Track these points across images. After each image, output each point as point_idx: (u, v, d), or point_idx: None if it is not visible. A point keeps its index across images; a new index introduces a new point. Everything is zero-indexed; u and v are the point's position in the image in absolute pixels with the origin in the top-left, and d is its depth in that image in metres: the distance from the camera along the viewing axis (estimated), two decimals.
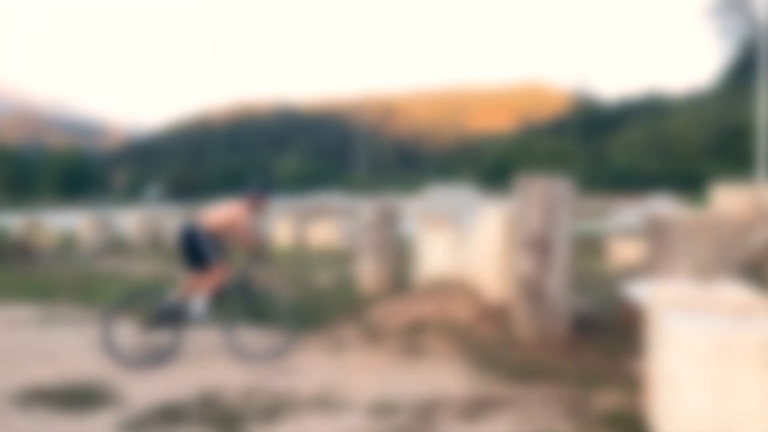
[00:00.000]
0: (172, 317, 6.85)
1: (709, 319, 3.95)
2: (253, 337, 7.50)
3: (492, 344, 6.77)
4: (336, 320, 8.10)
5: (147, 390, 5.76)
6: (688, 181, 32.28)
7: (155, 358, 6.68)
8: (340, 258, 15.83)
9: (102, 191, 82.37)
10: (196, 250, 6.93)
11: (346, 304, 9.11)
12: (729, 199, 17.45)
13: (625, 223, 16.92)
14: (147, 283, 11.16)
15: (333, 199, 25.43)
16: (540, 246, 6.89)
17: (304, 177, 62.74)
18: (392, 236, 10.60)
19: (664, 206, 18.09)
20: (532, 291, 6.85)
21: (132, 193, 78.98)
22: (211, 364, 6.68)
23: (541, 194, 6.95)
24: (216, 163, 75.24)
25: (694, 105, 51.31)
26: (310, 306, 9.07)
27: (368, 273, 10.35)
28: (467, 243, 9.30)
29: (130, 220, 22.61)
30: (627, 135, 47.69)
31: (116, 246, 20.97)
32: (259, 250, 7.20)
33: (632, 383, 5.38)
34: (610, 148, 45.99)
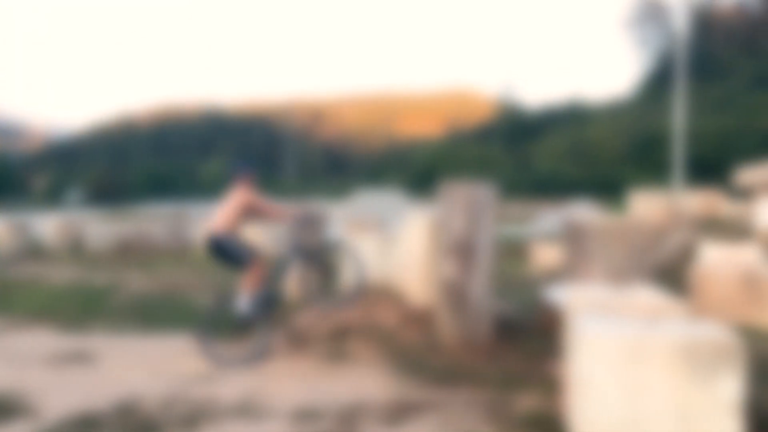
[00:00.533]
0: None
1: (621, 322, 4.08)
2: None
3: (416, 349, 6.83)
4: (259, 326, 8.01)
5: (63, 401, 5.59)
6: (608, 186, 33.26)
7: (252, 358, 6.83)
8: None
9: (21, 195, 79.49)
10: (227, 254, 7.10)
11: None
12: (645, 205, 18.10)
13: (547, 228, 17.30)
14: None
15: None
16: (463, 251, 6.99)
17: (230, 181, 62.03)
18: (319, 241, 10.56)
19: (584, 211, 18.58)
20: (455, 295, 6.94)
21: (52, 197, 76.43)
22: (129, 373, 6.54)
23: (465, 200, 7.05)
24: (140, 166, 73.58)
25: (614, 113, 52.94)
26: (231, 313, 8.95)
27: (294, 279, 10.28)
28: (393, 248, 9.36)
29: (50, 225, 21.88)
30: (549, 142, 48.84)
31: (35, 251, 20.28)
32: (297, 213, 7.40)
33: (551, 385, 5.51)
34: (534, 154, 47.01)
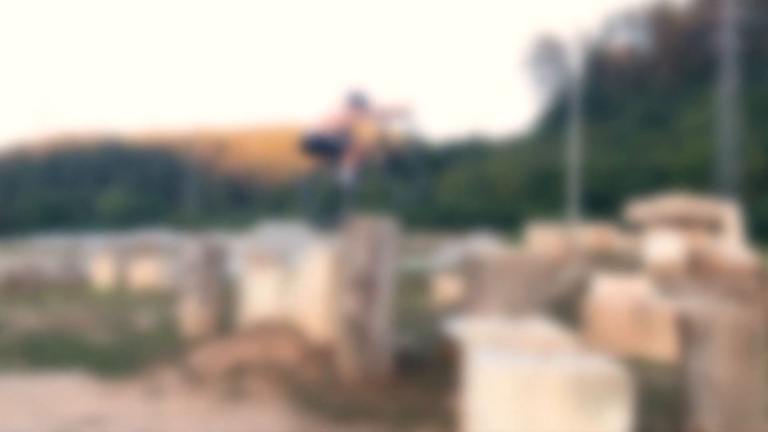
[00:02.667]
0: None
1: (514, 356, 4.15)
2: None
3: (316, 385, 6.75)
4: (155, 364, 7.76)
5: None
6: (508, 219, 34.11)
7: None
8: (164, 299, 15.25)
9: None
10: (326, 147, 7.47)
11: (167, 347, 8.77)
12: (542, 238, 18.65)
13: (448, 261, 17.56)
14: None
15: (158, 237, 24.55)
16: (365, 285, 6.99)
17: (129, 213, 60.12)
18: (217, 276, 10.36)
19: (484, 244, 18.98)
20: (356, 330, 6.91)
21: None
22: (12, 416, 6.17)
23: (367, 233, 7.07)
24: (34, 196, 70.47)
25: (513, 148, 54.57)
26: (127, 350, 8.66)
27: (191, 314, 10.04)
28: (295, 282, 9.26)
29: None
30: (452, 175, 49.79)
31: None
32: (402, 110, 7.73)
33: (450, 419, 5.54)
34: (437, 187, 47.77)
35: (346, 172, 7.57)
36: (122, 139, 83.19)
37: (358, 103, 7.81)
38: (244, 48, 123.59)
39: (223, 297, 10.53)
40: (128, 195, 68.61)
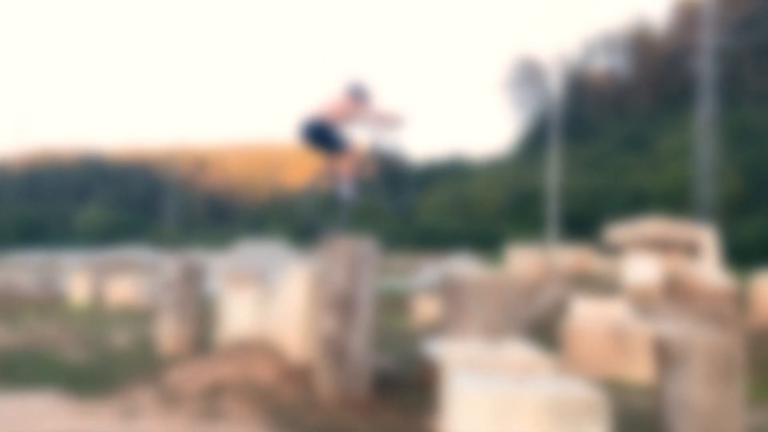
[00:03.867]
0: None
1: (492, 379, 4.15)
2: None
3: (293, 406, 6.70)
4: (130, 383, 7.67)
5: None
6: (488, 240, 34.22)
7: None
8: (141, 316, 15.10)
9: None
10: (326, 139, 7.36)
11: (143, 366, 8.67)
12: (522, 259, 18.72)
13: (428, 281, 17.55)
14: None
15: (136, 254, 24.32)
16: (344, 305, 6.96)
17: (108, 229, 59.58)
18: (196, 294, 10.29)
19: (464, 264, 18.99)
20: (335, 350, 6.88)
21: None
22: None
23: (346, 253, 7.05)
24: (11, 212, 69.72)
25: (493, 169, 54.87)
26: (103, 368, 8.55)
27: (168, 333, 9.95)
28: (273, 302, 9.22)
29: None
30: (432, 195, 49.93)
31: None
32: (394, 119, 7.75)
33: None
34: (417, 207, 47.89)
35: (344, 184, 7.57)
36: (102, 155, 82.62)
37: (358, 96, 7.65)
38: (225, 65, 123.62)
39: (201, 315, 10.44)
40: (107, 211, 68.06)
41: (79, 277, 19.80)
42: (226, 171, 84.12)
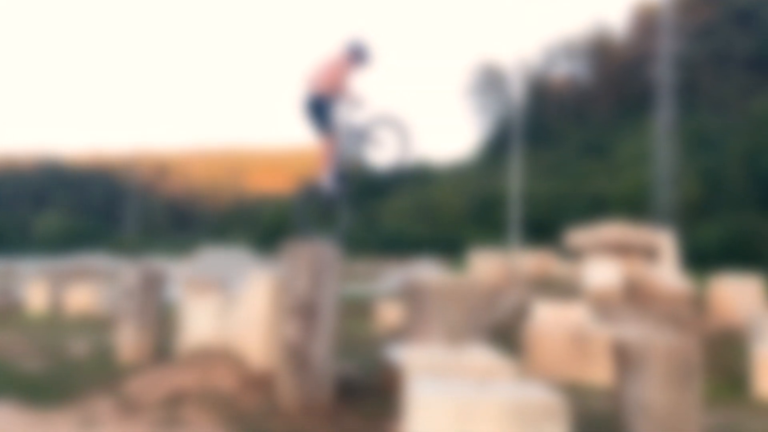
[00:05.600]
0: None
1: (453, 384, 4.15)
2: None
3: (255, 413, 6.64)
4: (89, 393, 7.53)
5: None
6: (451, 245, 34.34)
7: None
8: (100, 325, 14.85)
9: None
10: (321, 115, 7.32)
11: (102, 375, 8.52)
12: (484, 264, 18.82)
13: (391, 287, 17.56)
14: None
15: (96, 261, 23.96)
16: (306, 311, 6.93)
17: (67, 236, 58.56)
18: (156, 302, 10.15)
19: (428, 270, 19.05)
20: (297, 357, 6.84)
21: None
22: None
23: (308, 259, 7.02)
24: None
25: (456, 175, 55.14)
26: (60, 378, 8.39)
27: (128, 341, 9.80)
28: (234, 309, 9.13)
29: None
30: (396, 201, 50.01)
31: None
32: (354, 99, 7.58)
33: None
34: (381, 213, 47.95)
35: (326, 179, 7.59)
36: (61, 161, 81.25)
37: (357, 56, 7.60)
38: (186, 70, 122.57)
39: (162, 323, 10.30)
40: (66, 218, 66.93)
41: (37, 285, 19.43)
42: (188, 176, 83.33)
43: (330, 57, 7.63)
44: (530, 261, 19.65)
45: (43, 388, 7.98)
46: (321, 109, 7.45)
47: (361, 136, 7.75)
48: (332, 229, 7.95)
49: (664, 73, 31.90)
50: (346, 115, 7.72)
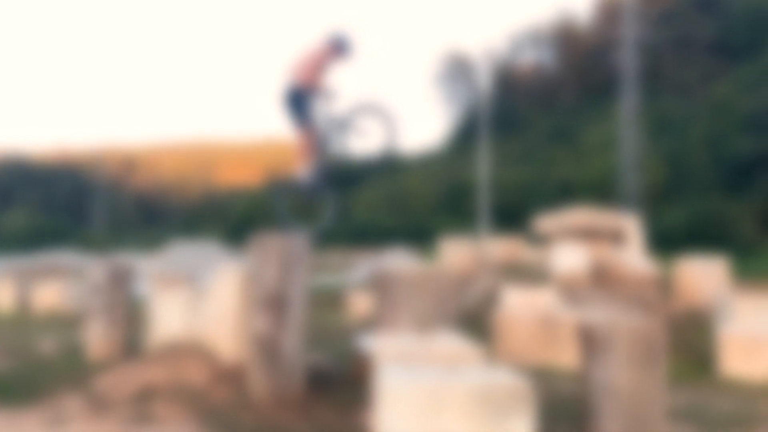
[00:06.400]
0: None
1: (422, 371, 4.20)
2: None
3: (226, 407, 6.64)
4: (57, 390, 7.47)
5: None
6: (422, 234, 34.45)
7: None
8: (68, 322, 14.70)
9: None
10: (298, 108, 7.28)
11: (71, 372, 8.45)
12: (454, 252, 18.92)
13: (362, 277, 17.60)
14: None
15: (63, 258, 23.67)
16: (276, 303, 6.93)
17: (34, 233, 57.70)
18: (124, 298, 10.07)
19: (399, 259, 19.11)
20: (267, 350, 6.84)
21: None
22: None
23: (278, 251, 7.02)
24: None
25: (426, 164, 55.25)
26: (28, 376, 8.30)
27: (97, 338, 9.71)
28: (204, 303, 9.10)
29: None
30: (367, 191, 50.00)
31: None
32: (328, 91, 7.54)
33: None
34: (353, 203, 47.90)
35: (302, 171, 7.60)
36: (26, 158, 79.96)
37: (339, 46, 7.63)
38: (153, 63, 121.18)
39: (131, 319, 10.23)
40: (33, 215, 65.92)
41: (4, 284, 19.18)
42: (156, 171, 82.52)
43: (311, 48, 7.63)
44: (499, 247, 19.80)
45: (10, 387, 7.89)
46: (299, 101, 7.46)
47: (342, 126, 7.73)
48: (314, 221, 7.96)
49: (628, 60, 32.22)
50: (325, 107, 7.73)
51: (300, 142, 7.53)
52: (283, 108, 7.56)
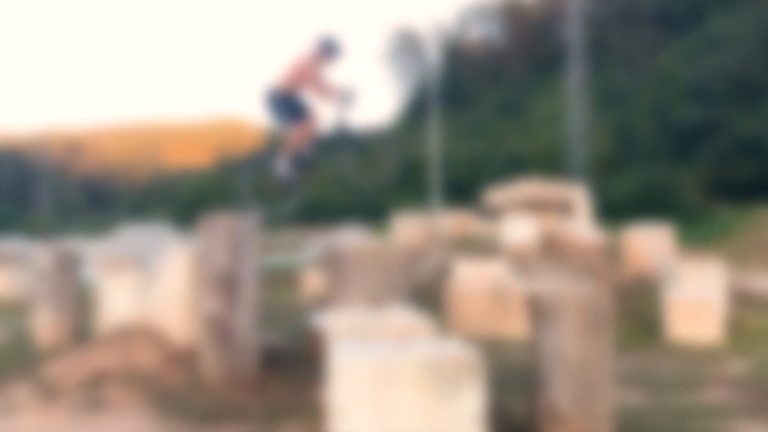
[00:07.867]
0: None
1: (372, 346, 4.22)
2: None
3: (179, 389, 6.60)
4: (5, 380, 7.32)
5: None
6: (375, 211, 34.49)
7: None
8: (15, 310, 14.38)
9: None
10: (290, 109, 7.48)
11: (19, 361, 8.28)
12: (407, 227, 19.00)
13: (315, 255, 17.58)
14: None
15: (8, 245, 23.05)
16: (227, 284, 6.89)
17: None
18: (72, 283, 9.89)
19: (352, 236, 19.10)
20: (219, 331, 6.81)
21: None
22: None
23: (227, 231, 6.96)
24: None
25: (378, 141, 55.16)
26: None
27: (44, 325, 9.53)
28: (154, 286, 8.98)
29: None
30: (318, 169, 49.77)
31: None
32: (343, 95, 7.61)
33: (317, 415, 5.56)
34: (306, 181, 47.64)
35: (283, 161, 7.71)
36: None
37: (328, 50, 7.74)
38: (96, 43, 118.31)
39: (80, 305, 10.05)
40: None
41: None
42: (101, 154, 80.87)
43: (300, 54, 7.85)
44: (451, 222, 19.94)
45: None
46: (287, 102, 7.65)
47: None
48: (275, 206, 8.04)
49: (574, 33, 32.55)
50: (343, 111, 7.96)
51: (295, 136, 7.77)
52: (268, 111, 7.82)
